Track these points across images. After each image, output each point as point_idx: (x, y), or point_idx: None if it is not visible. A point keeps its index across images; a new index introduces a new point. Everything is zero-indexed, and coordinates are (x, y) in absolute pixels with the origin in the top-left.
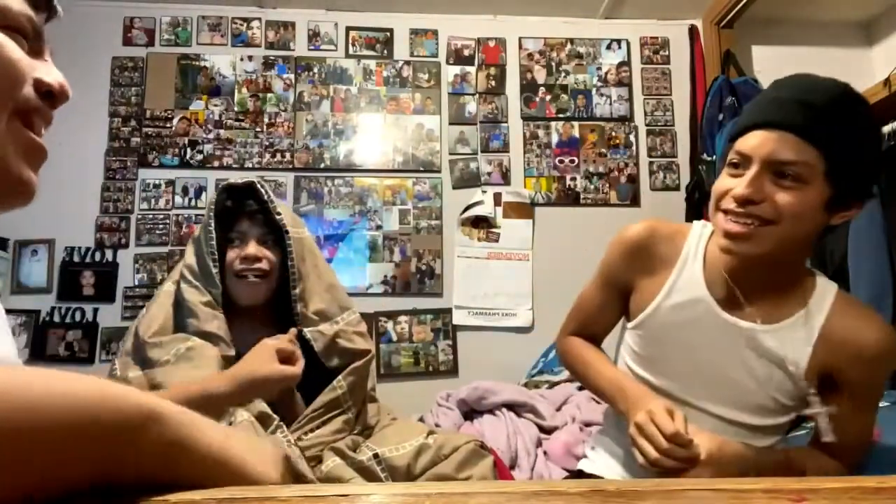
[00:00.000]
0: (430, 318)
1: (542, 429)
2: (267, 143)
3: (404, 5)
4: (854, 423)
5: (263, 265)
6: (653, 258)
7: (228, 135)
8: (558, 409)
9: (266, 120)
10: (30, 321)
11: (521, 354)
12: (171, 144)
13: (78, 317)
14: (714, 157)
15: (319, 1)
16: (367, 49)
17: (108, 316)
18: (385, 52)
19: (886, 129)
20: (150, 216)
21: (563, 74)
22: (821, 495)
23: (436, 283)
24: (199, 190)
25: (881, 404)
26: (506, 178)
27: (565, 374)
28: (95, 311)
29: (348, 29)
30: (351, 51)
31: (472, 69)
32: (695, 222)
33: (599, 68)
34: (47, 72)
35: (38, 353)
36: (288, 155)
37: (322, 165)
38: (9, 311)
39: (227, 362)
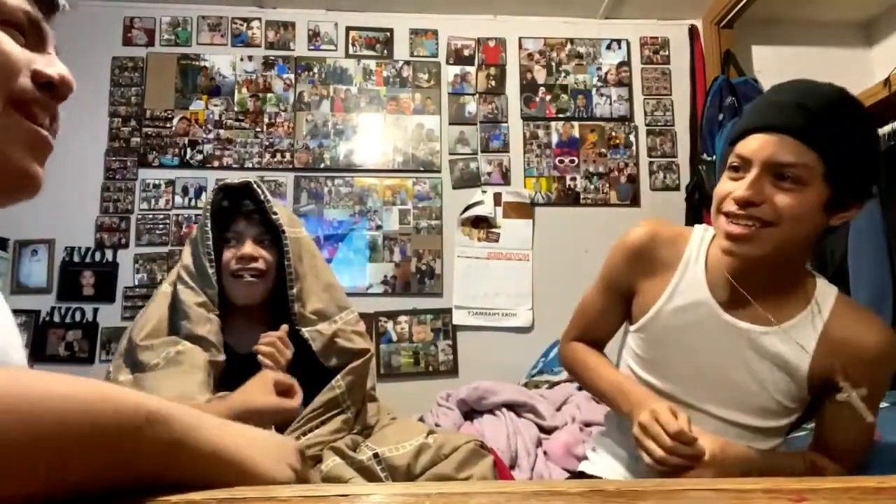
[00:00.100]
0: (430, 318)
1: (542, 429)
2: (267, 143)
3: (404, 5)
4: (854, 424)
5: (260, 265)
6: (655, 262)
7: (228, 135)
8: (558, 409)
9: (266, 120)
10: (30, 321)
11: (521, 354)
12: (171, 144)
13: (78, 317)
14: (714, 157)
15: (319, 1)
16: (367, 49)
17: (108, 316)
18: (385, 52)
19: (886, 129)
20: (150, 216)
21: (563, 74)
22: (821, 495)
23: (436, 283)
24: (199, 190)
25: (881, 405)
26: (506, 178)
27: (565, 374)
28: (95, 311)
29: (348, 29)
30: (351, 51)
31: (472, 69)
32: (696, 226)
33: (599, 68)
34: (47, 63)
35: (37, 353)
36: (288, 155)
37: (322, 165)
38: None
39: (217, 368)
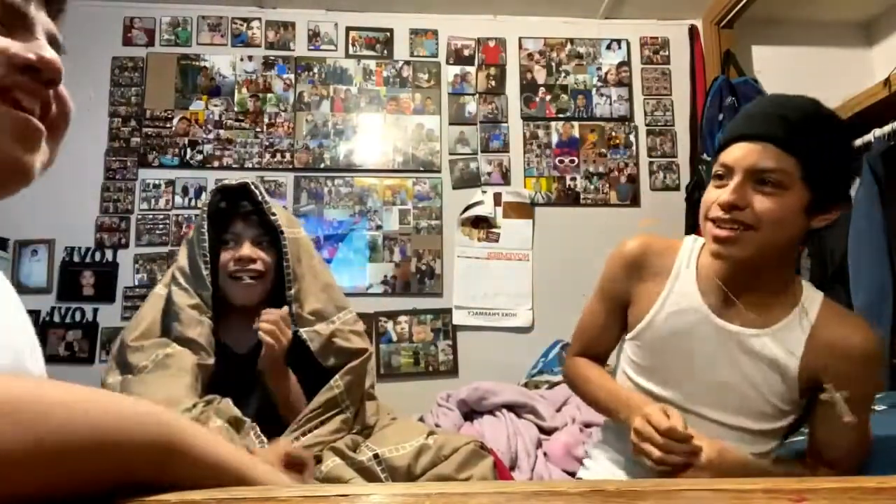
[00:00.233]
0: (430, 318)
1: (542, 430)
2: (267, 144)
3: (404, 5)
4: (844, 425)
5: (258, 266)
6: (648, 270)
7: (228, 135)
8: (558, 410)
9: (266, 120)
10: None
11: (521, 354)
12: (171, 144)
13: (78, 317)
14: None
15: (319, 1)
16: (367, 49)
17: (108, 316)
18: (385, 52)
19: (886, 129)
20: (150, 216)
21: (563, 74)
22: (821, 495)
23: (436, 283)
24: (199, 190)
25: (880, 407)
26: (506, 178)
27: None
28: (95, 311)
29: (348, 29)
30: (351, 51)
31: (472, 69)
32: (686, 237)
33: (599, 68)
34: (26, 48)
35: None
36: (288, 155)
37: (322, 165)
38: None
39: (206, 371)
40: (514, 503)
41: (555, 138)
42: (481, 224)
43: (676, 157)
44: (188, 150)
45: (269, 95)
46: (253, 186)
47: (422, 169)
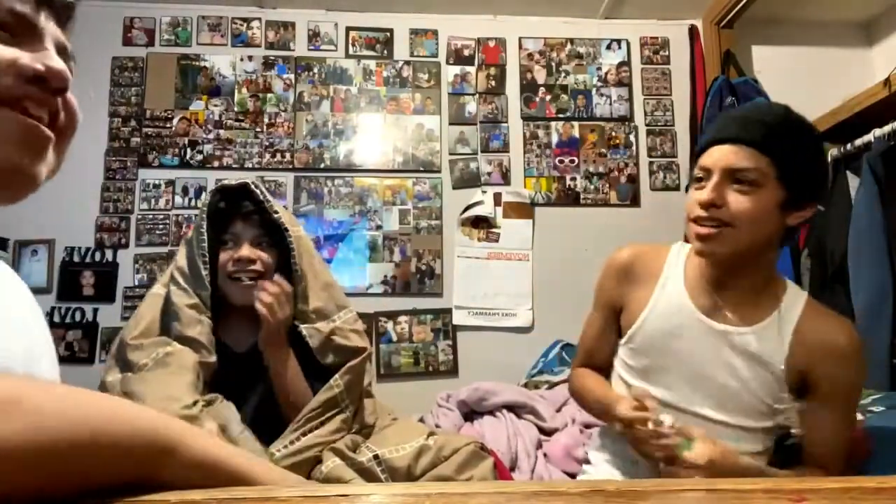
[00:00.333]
0: (430, 318)
1: (542, 430)
2: (267, 144)
3: (404, 5)
4: (831, 424)
5: (258, 267)
6: (638, 276)
7: (228, 135)
8: (558, 410)
9: (266, 120)
10: None
11: (521, 354)
12: (171, 144)
13: (78, 317)
14: None
15: (319, 1)
16: (367, 49)
17: (108, 316)
18: (385, 52)
19: (886, 129)
20: (150, 216)
21: (563, 74)
22: (821, 495)
23: (436, 283)
24: (199, 190)
25: (880, 408)
26: (506, 178)
27: (565, 373)
28: (95, 311)
29: (348, 29)
30: (351, 51)
31: (472, 69)
32: (673, 244)
33: (599, 68)
34: (34, 58)
35: None
36: (288, 155)
37: (322, 165)
38: None
39: (207, 369)
40: (513, 503)
41: (555, 138)
42: (481, 224)
43: (676, 157)
44: (188, 150)
45: (269, 95)
46: (254, 186)
47: (422, 169)
